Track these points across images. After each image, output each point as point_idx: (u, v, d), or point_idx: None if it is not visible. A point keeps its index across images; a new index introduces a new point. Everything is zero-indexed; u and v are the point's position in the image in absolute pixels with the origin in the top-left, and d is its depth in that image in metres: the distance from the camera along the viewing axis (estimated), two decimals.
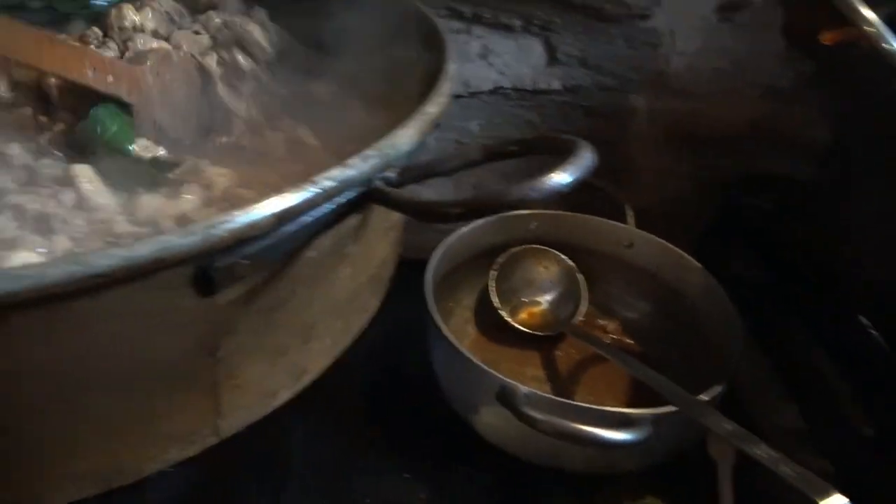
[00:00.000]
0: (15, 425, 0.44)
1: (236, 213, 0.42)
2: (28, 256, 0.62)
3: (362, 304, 0.66)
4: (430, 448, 0.86)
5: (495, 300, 1.01)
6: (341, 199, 0.49)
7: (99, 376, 0.45)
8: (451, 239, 0.96)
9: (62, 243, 0.69)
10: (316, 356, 0.61)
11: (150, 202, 0.73)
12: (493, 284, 1.02)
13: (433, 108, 0.57)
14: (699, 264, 0.94)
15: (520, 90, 1.07)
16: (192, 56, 0.82)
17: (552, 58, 1.05)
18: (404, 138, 0.52)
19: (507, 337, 1.02)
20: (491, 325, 1.03)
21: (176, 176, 0.76)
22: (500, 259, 1.03)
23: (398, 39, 0.77)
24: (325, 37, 0.90)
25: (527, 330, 1.01)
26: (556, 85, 1.07)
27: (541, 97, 1.09)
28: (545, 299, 1.05)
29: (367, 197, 0.50)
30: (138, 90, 0.72)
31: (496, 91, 1.08)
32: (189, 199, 0.76)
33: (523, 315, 1.04)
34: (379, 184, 0.51)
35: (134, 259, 0.38)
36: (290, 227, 0.46)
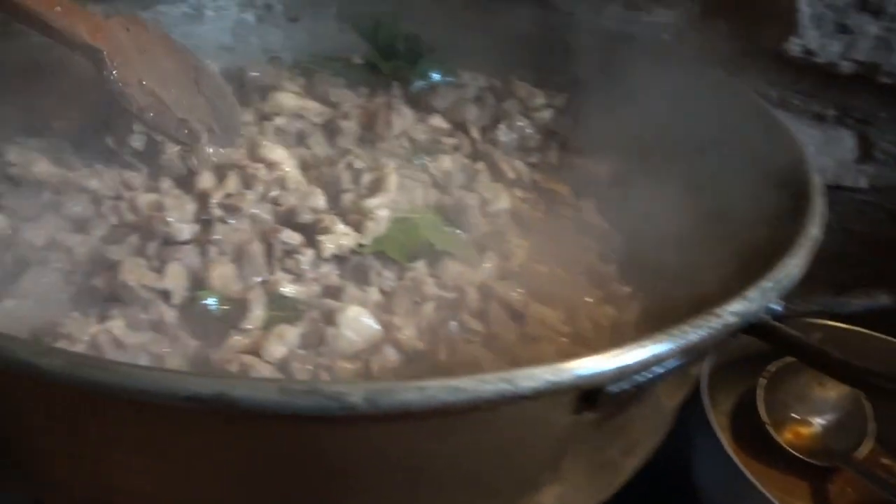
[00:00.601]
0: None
1: (645, 342, 0.40)
2: (357, 311, 0.66)
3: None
4: None
5: (763, 413, 0.91)
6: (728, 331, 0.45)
7: (461, 473, 0.44)
8: None
9: (374, 295, 0.72)
10: (628, 469, 0.57)
11: (454, 268, 0.75)
12: (762, 394, 0.92)
13: (815, 229, 0.51)
14: None
15: None
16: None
17: (866, 154, 0.95)
18: (794, 267, 0.47)
19: (770, 456, 0.91)
20: (751, 439, 0.93)
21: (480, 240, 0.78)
22: (772, 367, 0.93)
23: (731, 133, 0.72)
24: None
25: (797, 454, 0.90)
26: (862, 183, 0.96)
27: (840, 193, 0.98)
28: (819, 422, 0.93)
29: (749, 330, 0.46)
30: (105, 38, 0.68)
31: None
32: (487, 268, 0.77)
33: (789, 434, 0.93)
34: (765, 317, 0.46)
35: (559, 383, 0.37)
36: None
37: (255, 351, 0.61)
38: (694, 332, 0.42)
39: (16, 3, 0.62)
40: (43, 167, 0.69)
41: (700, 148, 0.77)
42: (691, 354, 0.41)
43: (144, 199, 0.69)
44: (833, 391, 0.92)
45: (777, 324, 0.46)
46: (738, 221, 0.65)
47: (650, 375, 0.42)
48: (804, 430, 0.93)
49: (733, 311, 0.43)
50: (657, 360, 0.40)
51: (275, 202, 0.72)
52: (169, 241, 0.66)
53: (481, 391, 0.36)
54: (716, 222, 0.72)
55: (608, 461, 0.53)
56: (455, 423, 0.40)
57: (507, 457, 0.45)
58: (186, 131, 0.75)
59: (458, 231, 0.78)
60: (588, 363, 0.38)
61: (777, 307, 0.47)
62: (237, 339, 0.62)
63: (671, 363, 0.41)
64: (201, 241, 0.67)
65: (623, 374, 0.40)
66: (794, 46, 0.80)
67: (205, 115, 0.79)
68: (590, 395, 0.41)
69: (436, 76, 0.93)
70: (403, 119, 0.85)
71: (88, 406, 0.37)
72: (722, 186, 0.71)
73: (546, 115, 0.94)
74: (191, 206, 0.69)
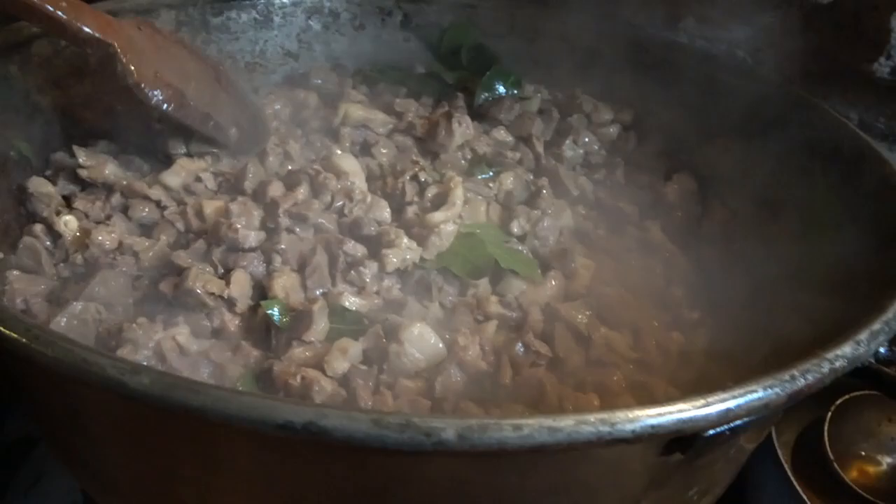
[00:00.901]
0: None
1: (753, 387, 0.38)
2: (422, 329, 0.64)
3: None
4: None
5: (828, 449, 0.87)
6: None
7: None
8: None
9: (435, 311, 0.70)
10: None
11: (517, 286, 0.73)
12: (827, 428, 0.88)
13: None
14: None
15: None
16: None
17: None
18: None
19: (833, 493, 0.87)
20: (812, 473, 0.89)
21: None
22: (839, 401, 0.89)
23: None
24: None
25: (864, 494, 0.86)
26: None
27: None
28: (888, 461, 0.89)
29: (854, 373, 0.43)
30: (115, 33, 0.65)
31: None
32: (552, 287, 0.74)
33: (854, 472, 0.89)
34: (871, 360, 0.43)
35: (659, 426, 0.35)
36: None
37: (317, 364, 0.60)
38: (801, 378, 0.39)
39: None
40: (112, 170, 0.69)
41: (775, 171, 0.74)
42: (796, 399, 0.38)
43: (211, 205, 0.68)
44: None
45: (885, 369, 0.43)
46: (821, 253, 0.62)
47: (748, 420, 0.39)
48: (871, 469, 0.88)
49: (842, 354, 0.40)
50: (763, 406, 0.38)
51: (340, 213, 0.71)
52: (234, 248, 0.65)
53: (579, 432, 0.34)
54: (796, 252, 0.68)
55: (686, 502, 0.51)
56: (544, 461, 0.38)
57: (590, 496, 0.43)
58: (212, 124, 0.74)
59: (521, 247, 0.76)
60: (690, 408, 0.36)
61: (884, 350, 0.44)
62: (299, 352, 0.61)
63: (775, 408, 0.38)
64: (266, 250, 0.66)
65: (725, 419, 0.37)
66: (882, 68, 0.76)
67: (229, 111, 0.77)
68: (685, 438, 0.39)
69: (500, 88, 0.91)
70: (466, 129, 0.83)
71: (178, 426, 0.36)
72: (804, 213, 0.68)
73: (612, 130, 0.92)
74: (258, 213, 0.68)
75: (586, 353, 0.68)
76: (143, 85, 0.67)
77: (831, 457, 0.86)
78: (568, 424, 0.33)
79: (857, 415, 0.89)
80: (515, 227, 0.76)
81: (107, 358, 0.33)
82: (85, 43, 0.64)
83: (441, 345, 0.63)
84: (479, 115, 0.90)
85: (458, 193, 0.73)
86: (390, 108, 0.86)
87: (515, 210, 0.78)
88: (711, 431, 0.39)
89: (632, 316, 0.74)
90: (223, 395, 0.31)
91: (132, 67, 0.66)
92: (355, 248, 0.67)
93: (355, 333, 0.63)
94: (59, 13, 0.62)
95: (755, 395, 0.38)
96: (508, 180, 0.81)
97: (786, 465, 0.75)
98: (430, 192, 0.74)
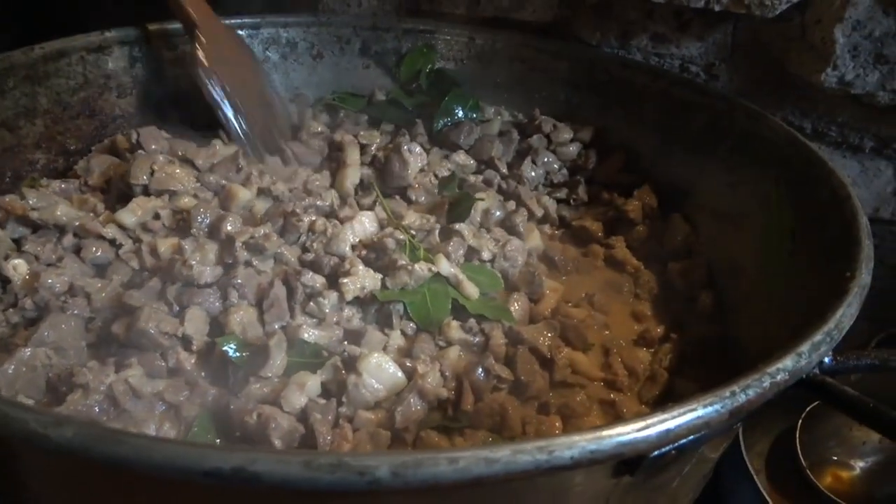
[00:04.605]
0: None
1: (692, 405, 0.37)
2: (379, 359, 0.63)
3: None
4: None
5: (801, 457, 0.87)
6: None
7: None
8: None
9: (396, 339, 0.70)
10: None
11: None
12: (798, 436, 0.88)
13: (866, 276, 0.48)
14: None
15: None
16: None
17: None
18: (846, 318, 0.45)
19: (809, 499, 0.87)
20: (786, 482, 0.89)
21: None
22: (808, 408, 0.89)
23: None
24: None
25: (838, 500, 0.85)
26: None
27: (879, 226, 0.95)
28: (860, 465, 0.89)
29: (799, 385, 0.43)
30: (205, 14, 0.82)
31: None
32: (515, 309, 0.74)
33: (828, 478, 0.89)
34: (814, 371, 0.43)
35: (598, 451, 0.35)
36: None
37: (275, 400, 0.59)
38: (742, 394, 0.39)
39: None
40: (64, 210, 0.68)
41: (732, 183, 0.74)
42: (738, 416, 0.38)
43: (165, 242, 0.67)
44: (875, 434, 0.87)
45: (828, 379, 0.43)
46: (775, 263, 0.62)
47: (694, 438, 0.39)
48: (844, 474, 0.89)
49: (784, 367, 0.40)
50: (705, 424, 0.37)
51: (303, 247, 0.71)
52: (189, 284, 0.64)
53: (516, 462, 0.33)
54: (752, 263, 0.69)
55: None
56: (487, 495, 0.37)
57: None
58: (241, 123, 0.83)
59: (495, 271, 0.75)
60: (629, 430, 0.36)
61: (828, 360, 0.44)
62: (256, 388, 0.60)
63: (717, 426, 0.38)
64: (223, 285, 0.65)
65: (667, 440, 0.37)
66: (829, 78, 0.78)
67: (261, 114, 0.87)
68: (630, 461, 0.39)
69: (459, 112, 0.92)
70: (419, 156, 0.83)
71: (103, 478, 0.35)
72: (756, 224, 0.68)
73: (572, 149, 0.92)
74: (213, 249, 0.67)
75: (550, 374, 0.67)
76: (209, 68, 0.80)
77: (804, 464, 0.87)
78: (504, 455, 0.33)
79: (827, 421, 0.89)
80: (485, 253, 0.75)
81: (29, 411, 0.32)
82: (178, 10, 0.81)
83: (400, 374, 0.62)
84: (439, 140, 0.91)
85: (444, 266, 0.72)
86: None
87: (487, 233, 0.78)
88: (656, 452, 0.38)
89: (598, 335, 0.74)
90: (146, 443, 0.31)
91: (202, 54, 0.80)
92: (314, 279, 0.67)
93: (314, 366, 0.62)
94: None
95: (695, 415, 0.37)
96: (486, 200, 0.82)
97: (756, 478, 0.75)
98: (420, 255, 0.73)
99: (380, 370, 0.61)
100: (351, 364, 0.61)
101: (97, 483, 0.37)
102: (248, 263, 0.67)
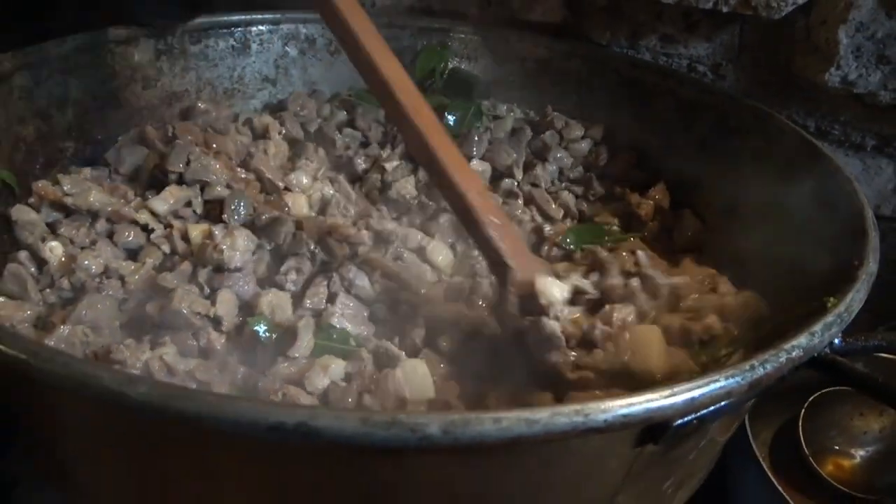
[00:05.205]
0: None
1: (716, 377, 0.40)
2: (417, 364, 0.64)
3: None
4: None
5: (803, 446, 0.90)
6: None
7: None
8: None
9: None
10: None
11: None
12: (803, 425, 0.91)
13: (873, 264, 0.51)
14: None
15: None
16: None
17: None
18: (855, 302, 0.47)
19: (810, 487, 0.89)
20: (789, 469, 0.91)
21: None
22: (812, 398, 0.91)
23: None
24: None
25: (840, 487, 0.88)
26: None
27: (880, 223, 0.98)
28: (861, 454, 0.91)
29: (811, 364, 0.46)
30: (521, 262, 0.64)
31: None
32: None
33: (830, 466, 0.91)
34: (826, 351, 0.46)
35: (629, 415, 0.37)
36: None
37: (300, 381, 0.60)
38: (761, 367, 0.42)
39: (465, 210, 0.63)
40: (97, 196, 0.71)
41: (740, 180, 0.77)
42: (757, 388, 0.41)
43: (196, 228, 0.70)
44: (876, 423, 0.90)
45: (839, 358, 0.46)
46: (788, 253, 0.65)
47: (714, 409, 0.42)
48: (846, 463, 0.91)
49: (798, 345, 0.43)
50: (726, 394, 0.40)
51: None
52: (219, 269, 0.67)
53: (555, 423, 0.36)
54: (763, 253, 0.71)
55: (662, 494, 0.53)
56: (525, 457, 0.40)
57: (570, 490, 0.45)
58: None
59: None
60: (657, 397, 0.38)
61: (837, 341, 0.47)
62: (283, 367, 0.62)
63: (738, 396, 0.41)
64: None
65: (692, 407, 0.40)
66: (833, 78, 0.81)
67: None
68: (656, 428, 0.41)
69: (475, 109, 0.94)
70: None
71: (175, 436, 0.37)
72: (767, 220, 0.71)
73: (584, 146, 0.94)
74: (242, 235, 0.70)
75: None
76: (514, 314, 0.63)
77: (807, 452, 0.89)
78: (544, 416, 0.36)
79: (829, 411, 0.91)
80: None
81: (105, 370, 0.34)
82: (491, 253, 0.65)
83: (432, 388, 0.61)
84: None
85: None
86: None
87: None
88: (680, 421, 0.41)
89: None
90: (217, 400, 0.33)
91: (513, 298, 0.63)
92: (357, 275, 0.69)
93: (342, 353, 0.64)
94: (486, 225, 0.63)
95: (718, 384, 0.40)
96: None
97: (763, 463, 0.77)
98: None
99: (415, 374, 0.61)
100: (385, 362, 0.62)
101: (157, 443, 0.39)
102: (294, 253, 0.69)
